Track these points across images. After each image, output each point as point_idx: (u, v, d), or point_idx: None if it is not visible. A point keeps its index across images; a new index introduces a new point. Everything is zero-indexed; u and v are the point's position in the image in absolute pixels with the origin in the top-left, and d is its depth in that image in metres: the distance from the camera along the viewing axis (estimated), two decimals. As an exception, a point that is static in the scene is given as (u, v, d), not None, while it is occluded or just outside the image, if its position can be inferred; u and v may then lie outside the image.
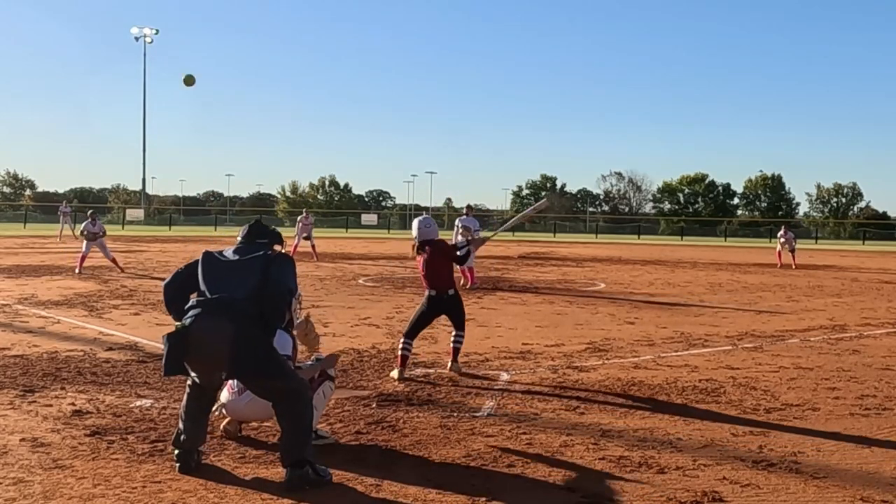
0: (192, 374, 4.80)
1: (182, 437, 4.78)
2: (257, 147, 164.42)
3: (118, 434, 5.40)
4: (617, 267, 25.54)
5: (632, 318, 12.27)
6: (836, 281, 21.23)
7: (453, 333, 7.91)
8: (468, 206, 19.62)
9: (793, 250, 26.93)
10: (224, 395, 5.30)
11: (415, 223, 7.90)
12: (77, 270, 18.56)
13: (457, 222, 18.48)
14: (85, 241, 19.33)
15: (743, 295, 16.63)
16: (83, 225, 19.80)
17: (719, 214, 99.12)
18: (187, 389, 4.90)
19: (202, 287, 4.78)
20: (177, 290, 4.91)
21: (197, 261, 4.91)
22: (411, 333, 7.82)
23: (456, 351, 7.90)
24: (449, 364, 7.86)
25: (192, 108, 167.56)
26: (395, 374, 7.58)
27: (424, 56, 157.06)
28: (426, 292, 7.89)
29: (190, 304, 4.74)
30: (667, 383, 7.47)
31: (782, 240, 27.33)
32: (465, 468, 4.87)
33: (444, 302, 7.82)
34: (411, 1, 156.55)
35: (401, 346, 7.72)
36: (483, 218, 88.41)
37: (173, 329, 4.59)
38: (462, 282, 16.88)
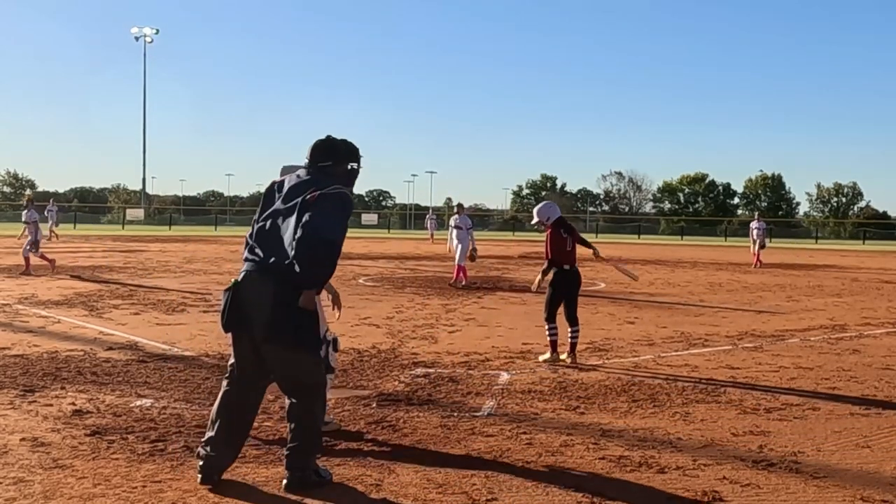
0: (234, 351, 4.50)
1: (209, 448, 4.46)
2: (257, 147, 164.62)
3: (118, 434, 5.39)
4: (617, 267, 25.48)
5: (632, 318, 12.27)
6: (836, 281, 21.22)
7: (570, 330, 8.44)
8: (459, 205, 19.42)
9: (763, 245, 25.96)
10: None
11: (538, 209, 8.72)
12: (51, 270, 17.53)
13: (451, 222, 18.42)
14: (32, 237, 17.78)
15: (743, 295, 16.62)
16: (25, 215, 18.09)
17: (719, 214, 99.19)
18: (224, 387, 4.58)
19: (252, 230, 4.47)
20: None
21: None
22: (552, 317, 8.41)
23: (573, 346, 8.43)
24: (565, 356, 8.37)
25: (192, 108, 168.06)
26: (544, 357, 8.37)
27: (424, 56, 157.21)
28: (555, 270, 8.48)
29: (244, 255, 4.49)
30: (667, 383, 7.47)
31: (756, 231, 26.24)
32: (465, 468, 4.86)
33: (573, 275, 8.55)
34: (411, 1, 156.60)
35: (548, 332, 8.38)
36: (482, 217, 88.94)
37: (229, 284, 4.45)
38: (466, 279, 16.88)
